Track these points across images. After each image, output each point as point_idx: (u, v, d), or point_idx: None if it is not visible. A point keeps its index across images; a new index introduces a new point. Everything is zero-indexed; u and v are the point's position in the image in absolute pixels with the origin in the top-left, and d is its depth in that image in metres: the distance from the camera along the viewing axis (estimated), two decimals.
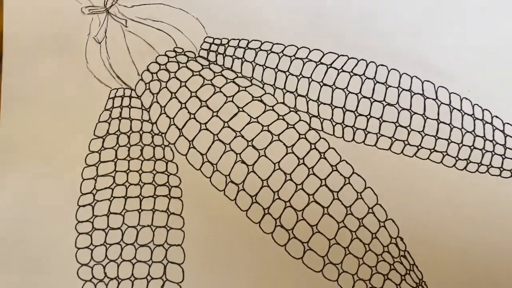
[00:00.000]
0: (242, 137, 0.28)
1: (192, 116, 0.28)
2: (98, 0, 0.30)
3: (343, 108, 0.28)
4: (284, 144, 0.28)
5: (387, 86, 0.29)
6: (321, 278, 0.26)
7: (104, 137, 0.28)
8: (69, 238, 0.26)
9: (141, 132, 0.28)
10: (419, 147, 0.28)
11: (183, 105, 0.28)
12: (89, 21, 0.30)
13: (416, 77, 0.29)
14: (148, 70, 0.29)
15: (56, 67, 0.29)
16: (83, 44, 0.30)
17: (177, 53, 0.29)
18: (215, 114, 0.28)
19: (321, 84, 0.29)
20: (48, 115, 0.28)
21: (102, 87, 0.29)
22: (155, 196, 0.27)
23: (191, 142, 0.28)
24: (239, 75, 0.29)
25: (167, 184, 0.27)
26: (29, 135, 0.28)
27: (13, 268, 0.26)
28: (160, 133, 0.28)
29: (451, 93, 0.29)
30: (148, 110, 0.29)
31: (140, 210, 0.27)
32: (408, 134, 0.28)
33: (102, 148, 0.28)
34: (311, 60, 0.29)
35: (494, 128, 0.28)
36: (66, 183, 0.27)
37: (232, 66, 0.29)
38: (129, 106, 0.29)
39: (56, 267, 0.26)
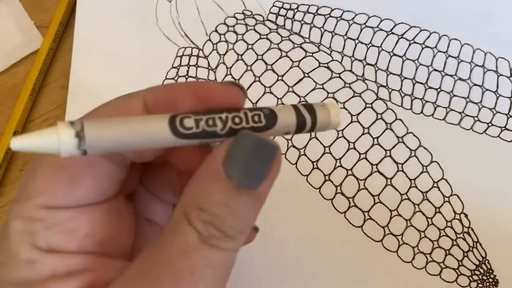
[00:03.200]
0: (306, 102, 0.28)
1: (257, 78, 0.28)
2: None
3: (413, 80, 0.28)
4: (350, 112, 0.27)
5: (460, 61, 0.28)
6: (381, 248, 0.25)
7: None
8: None
9: None
10: (490, 124, 0.27)
11: (249, 67, 0.28)
12: None
13: (490, 53, 0.28)
14: (216, 31, 0.29)
15: (127, 23, 0.30)
16: (153, 2, 0.30)
17: (246, 16, 0.29)
18: (280, 78, 0.28)
19: (391, 54, 0.28)
20: (117, 70, 0.29)
21: (170, 45, 0.29)
22: None
23: (254, 104, 0.28)
24: (307, 40, 0.29)
25: None
26: (97, 91, 0.29)
27: None
28: None
29: None
30: (214, 70, 0.29)
31: None
32: (479, 110, 0.27)
33: None
34: (382, 30, 0.29)
35: None
36: None
37: (300, 31, 0.29)
38: (196, 65, 0.29)
39: None
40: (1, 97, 0.32)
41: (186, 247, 0.14)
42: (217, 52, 0.29)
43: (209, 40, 0.29)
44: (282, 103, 0.28)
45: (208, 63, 0.29)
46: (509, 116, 0.27)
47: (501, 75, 0.28)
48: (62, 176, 0.15)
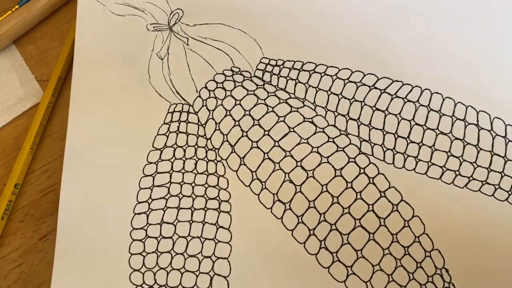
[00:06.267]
0: (292, 157, 0.29)
1: (244, 134, 0.29)
2: (162, 18, 0.32)
3: (395, 134, 0.28)
4: (333, 166, 0.28)
5: (441, 115, 0.29)
6: None
7: (161, 149, 0.30)
8: (123, 244, 0.28)
9: (196, 146, 0.29)
10: (471, 178, 0.28)
11: (237, 123, 0.30)
12: (153, 38, 0.32)
13: (472, 106, 0.29)
14: (206, 87, 0.30)
15: (121, 81, 0.31)
16: (146, 59, 0.31)
17: (234, 72, 0.31)
18: (266, 133, 0.29)
19: (374, 108, 0.29)
20: (110, 126, 0.30)
21: (162, 102, 0.30)
22: (205, 209, 0.28)
23: (242, 159, 0.29)
24: (292, 96, 0.30)
25: (217, 198, 0.28)
26: (93, 144, 0.30)
27: (72, 265, 0.28)
28: (213, 149, 0.29)
29: (507, 125, 0.28)
30: (204, 125, 0.30)
31: (191, 222, 0.28)
32: (460, 164, 0.28)
33: (159, 160, 0.29)
34: (364, 84, 0.30)
35: None
36: (123, 191, 0.29)
37: (285, 87, 0.30)
38: (187, 121, 0.30)
39: (110, 270, 0.28)
40: (5, 148, 0.33)
41: None
42: (207, 108, 0.30)
43: (199, 96, 0.30)
44: (269, 158, 0.29)
45: (198, 118, 0.30)
46: (489, 170, 0.28)
47: (482, 128, 0.28)
48: None
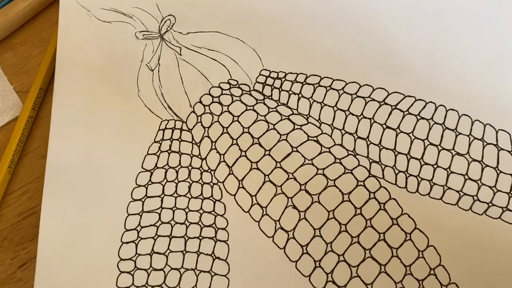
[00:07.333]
0: (295, 179, 0.26)
1: (243, 153, 0.27)
2: (152, 26, 0.29)
3: (408, 155, 0.26)
4: (340, 190, 0.26)
5: (457, 133, 0.26)
6: None
7: (152, 171, 0.27)
8: (110, 277, 0.25)
9: (190, 167, 0.27)
10: (490, 204, 0.25)
11: (235, 141, 0.27)
12: (142, 47, 0.29)
13: (490, 125, 0.26)
14: (200, 102, 0.28)
15: (107, 94, 0.28)
16: (135, 71, 0.29)
17: (231, 86, 0.28)
18: (267, 153, 0.27)
19: (384, 126, 0.27)
20: (95, 144, 0.28)
21: (152, 118, 0.28)
22: (200, 237, 0.26)
23: (240, 182, 0.27)
24: (295, 112, 0.27)
25: (213, 225, 0.26)
26: (76, 163, 0.28)
27: None
28: (209, 170, 0.27)
29: None
30: (198, 144, 0.27)
31: (184, 252, 0.26)
32: (479, 188, 0.25)
33: (150, 183, 0.27)
34: (374, 100, 0.27)
35: None
36: (110, 218, 0.26)
37: (288, 102, 0.28)
38: (179, 139, 0.27)
39: None
40: None
41: None
42: (202, 124, 0.28)
43: (193, 112, 0.28)
44: (270, 181, 0.26)
45: (192, 136, 0.28)
46: (510, 195, 0.25)
47: (502, 149, 0.26)
48: None
